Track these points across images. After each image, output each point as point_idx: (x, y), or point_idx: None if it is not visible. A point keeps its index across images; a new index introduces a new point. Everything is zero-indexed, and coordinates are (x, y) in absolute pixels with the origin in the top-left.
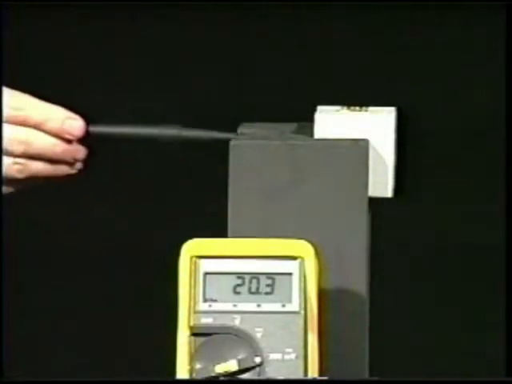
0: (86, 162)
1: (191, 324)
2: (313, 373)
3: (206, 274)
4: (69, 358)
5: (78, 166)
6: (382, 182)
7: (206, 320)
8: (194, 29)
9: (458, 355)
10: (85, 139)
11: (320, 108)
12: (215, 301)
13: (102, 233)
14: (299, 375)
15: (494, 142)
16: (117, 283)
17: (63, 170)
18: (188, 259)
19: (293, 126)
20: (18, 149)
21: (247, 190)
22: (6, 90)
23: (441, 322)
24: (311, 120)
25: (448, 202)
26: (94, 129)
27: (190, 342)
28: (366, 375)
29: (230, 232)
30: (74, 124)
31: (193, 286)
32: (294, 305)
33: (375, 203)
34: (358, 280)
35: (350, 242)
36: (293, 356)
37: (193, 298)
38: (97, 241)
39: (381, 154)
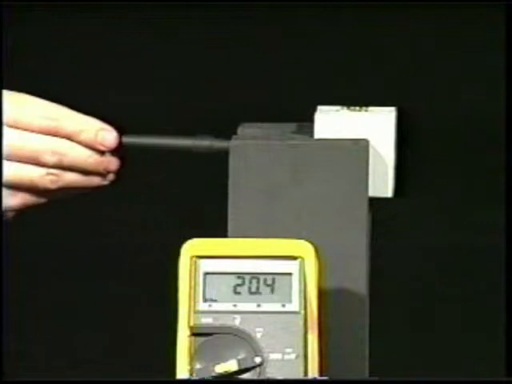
0: (118, 172)
1: (191, 324)
2: (313, 373)
3: (206, 274)
4: (69, 358)
5: (110, 177)
6: (382, 182)
7: (206, 320)
8: (194, 29)
9: (458, 355)
10: (117, 150)
11: (320, 108)
12: (215, 301)
13: (102, 233)
14: (299, 375)
15: (494, 142)
16: (117, 283)
17: (95, 181)
18: (188, 259)
19: (293, 126)
20: (52, 159)
21: (247, 190)
22: (40, 101)
23: (441, 322)
24: (311, 120)
25: (448, 202)
26: (127, 140)
27: (190, 342)
28: (366, 375)
29: (229, 232)
30: (108, 135)
31: (193, 286)
32: (294, 305)
33: (375, 203)
34: (358, 280)
35: (350, 242)
36: (293, 356)
37: (193, 298)
38: (97, 241)
39: (381, 154)
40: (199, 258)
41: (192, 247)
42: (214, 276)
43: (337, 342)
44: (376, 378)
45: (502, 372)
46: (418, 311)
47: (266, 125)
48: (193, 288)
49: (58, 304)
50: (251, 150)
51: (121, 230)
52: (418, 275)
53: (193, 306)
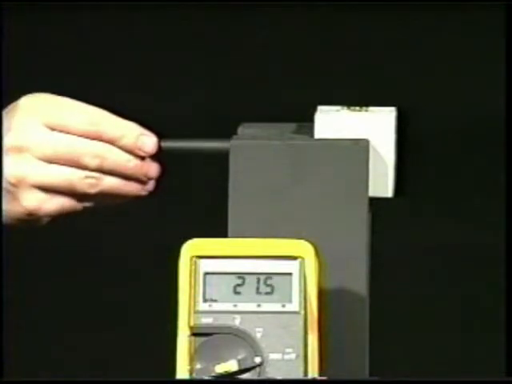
0: (159, 182)
1: (191, 324)
2: (313, 373)
3: (206, 274)
4: (69, 358)
5: (150, 186)
6: (382, 182)
7: (206, 320)
8: (194, 29)
9: (457, 355)
10: (157, 156)
11: (320, 108)
12: (215, 301)
13: (102, 233)
14: (299, 375)
15: (494, 143)
16: (117, 283)
17: (135, 187)
18: (188, 259)
19: (293, 126)
20: (92, 162)
21: (247, 189)
22: (81, 105)
23: (441, 322)
24: (311, 120)
25: (448, 202)
26: (167, 144)
27: (190, 342)
28: (366, 375)
29: (230, 232)
30: (147, 141)
31: (193, 286)
32: (294, 305)
33: (375, 203)
34: (358, 280)
35: (350, 242)
36: (293, 356)
37: (193, 298)
38: (97, 241)
39: (381, 154)
40: (199, 258)
41: (192, 247)
42: (214, 276)
43: (337, 342)
44: (376, 378)
45: (502, 372)
46: (418, 311)
47: (266, 125)
48: (193, 288)
49: (58, 304)
50: (251, 149)
51: (120, 230)
52: (418, 275)
53: (193, 305)
